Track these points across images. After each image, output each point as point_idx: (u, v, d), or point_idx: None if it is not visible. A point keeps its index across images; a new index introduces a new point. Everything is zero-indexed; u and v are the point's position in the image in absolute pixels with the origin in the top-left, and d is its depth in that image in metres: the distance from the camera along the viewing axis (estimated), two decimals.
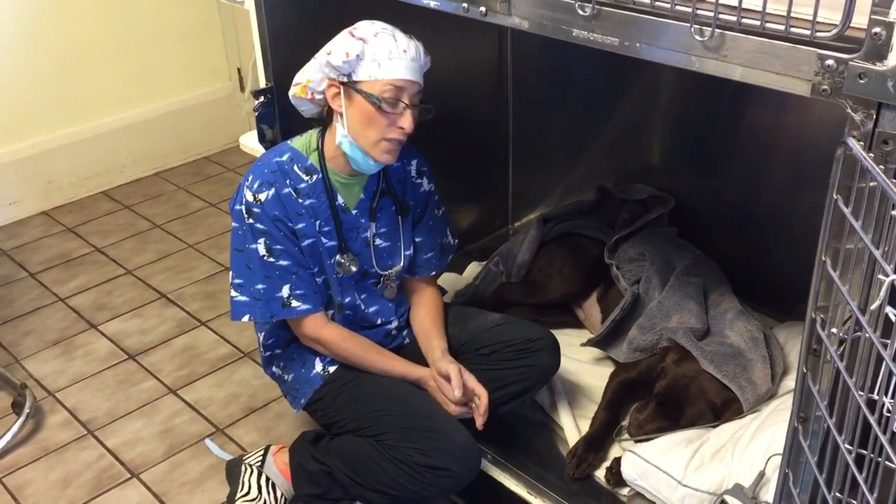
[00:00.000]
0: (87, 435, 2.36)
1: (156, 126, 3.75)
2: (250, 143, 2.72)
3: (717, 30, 1.14)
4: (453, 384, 1.80)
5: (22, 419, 2.34)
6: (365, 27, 1.68)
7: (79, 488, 2.18)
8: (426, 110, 1.73)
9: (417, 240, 1.96)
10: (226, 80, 3.96)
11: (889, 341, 0.93)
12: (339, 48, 1.67)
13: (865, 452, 1.03)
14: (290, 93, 1.78)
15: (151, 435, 2.35)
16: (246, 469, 2.04)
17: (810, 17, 1.03)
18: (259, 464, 2.05)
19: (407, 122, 1.68)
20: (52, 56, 3.38)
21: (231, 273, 1.82)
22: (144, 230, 3.37)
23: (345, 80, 1.68)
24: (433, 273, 2.00)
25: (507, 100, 2.72)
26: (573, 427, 2.00)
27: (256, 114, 1.99)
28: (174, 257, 3.18)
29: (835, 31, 1.02)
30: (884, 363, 0.94)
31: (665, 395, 1.89)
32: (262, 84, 2.00)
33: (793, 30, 1.06)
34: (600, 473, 1.89)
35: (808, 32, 1.04)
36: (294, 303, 1.79)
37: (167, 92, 3.76)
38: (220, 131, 3.94)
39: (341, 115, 1.71)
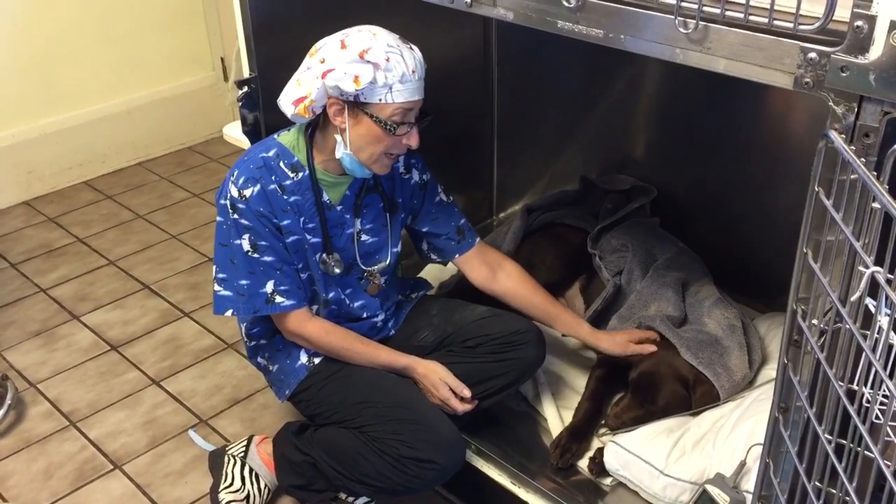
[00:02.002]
0: (69, 426, 2.35)
1: (138, 115, 3.72)
2: (234, 133, 2.71)
3: (700, 22, 1.14)
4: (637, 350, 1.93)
5: (3, 410, 2.33)
6: (375, 49, 1.60)
7: (61, 480, 2.17)
8: (426, 120, 1.72)
9: (425, 229, 1.96)
10: (209, 70, 3.94)
11: (868, 332, 0.94)
12: (346, 70, 1.60)
13: (845, 442, 1.04)
14: (292, 111, 1.68)
15: (134, 426, 2.34)
16: (229, 460, 2.04)
17: (793, 10, 1.03)
18: (242, 455, 2.04)
19: (414, 139, 1.69)
20: (34, 45, 3.34)
21: (215, 267, 1.81)
22: (127, 220, 3.35)
23: (351, 99, 1.64)
24: (472, 250, 1.97)
25: (492, 91, 2.72)
26: (556, 418, 2.01)
27: (240, 104, 1.97)
28: (157, 248, 3.16)
29: (817, 25, 1.02)
30: (863, 354, 0.95)
31: (638, 381, 1.91)
32: (246, 74, 1.99)
33: (776, 23, 1.06)
34: (583, 463, 1.90)
35: (791, 25, 1.05)
36: (278, 298, 1.78)
37: (150, 81, 3.73)
38: (203, 121, 3.91)
39: (343, 130, 1.68)
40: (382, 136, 1.66)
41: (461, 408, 1.85)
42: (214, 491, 2.01)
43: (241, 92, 1.96)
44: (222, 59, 3.89)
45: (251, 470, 2.02)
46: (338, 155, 1.72)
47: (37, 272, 3.02)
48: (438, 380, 1.85)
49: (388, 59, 1.61)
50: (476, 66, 2.66)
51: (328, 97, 1.66)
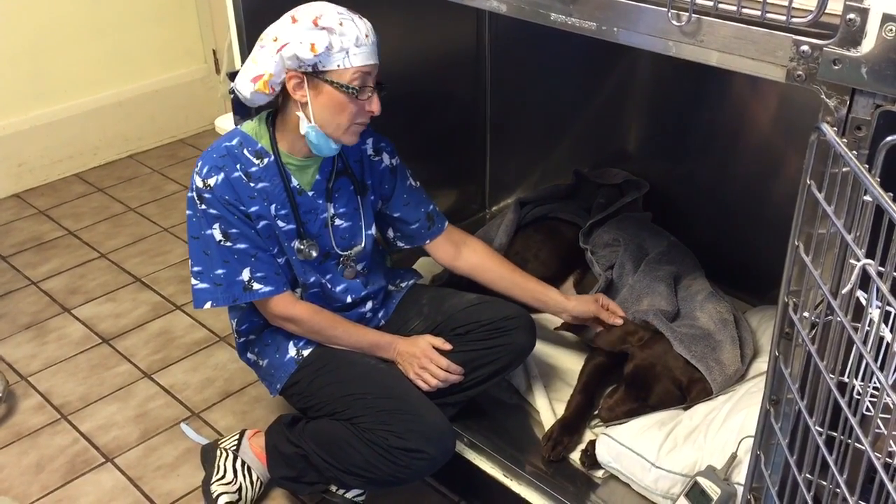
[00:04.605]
0: (60, 419, 2.34)
1: (130, 108, 3.70)
2: (225, 125, 2.69)
3: (693, 15, 1.14)
4: (604, 317, 1.99)
5: None
6: (327, 15, 1.63)
7: (52, 473, 2.17)
8: (383, 88, 1.72)
9: (396, 215, 1.96)
10: (201, 62, 3.92)
11: (859, 325, 0.94)
12: (302, 39, 1.61)
13: (835, 434, 1.04)
14: (251, 89, 1.69)
15: (126, 419, 2.34)
16: (221, 453, 2.04)
17: (786, 3, 1.03)
18: (234, 448, 2.04)
19: (376, 105, 1.68)
20: (25, 36, 3.32)
21: (190, 261, 1.80)
22: (118, 213, 3.33)
23: (309, 70, 1.65)
24: (441, 235, 1.99)
25: (485, 83, 2.71)
26: (549, 410, 2.01)
27: (232, 96, 1.96)
28: (148, 241, 3.15)
29: (810, 17, 1.02)
30: (854, 346, 0.95)
31: (633, 376, 1.91)
32: (238, 66, 1.98)
33: (769, 15, 1.07)
34: (575, 456, 1.90)
35: (783, 18, 1.05)
36: (256, 285, 1.78)
37: (141, 73, 3.72)
38: (195, 114, 3.90)
39: (304, 104, 1.68)
40: (346, 102, 1.66)
41: (442, 375, 1.85)
42: (207, 483, 2.01)
43: (232, 84, 1.95)
44: (214, 51, 3.87)
45: (243, 463, 2.02)
46: (302, 131, 1.71)
47: (27, 265, 3.01)
48: (423, 342, 1.87)
49: (341, 24, 1.63)
50: (469, 60, 2.66)
51: (286, 71, 1.66)
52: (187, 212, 1.78)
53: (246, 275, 1.77)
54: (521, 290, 2.00)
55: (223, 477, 2.00)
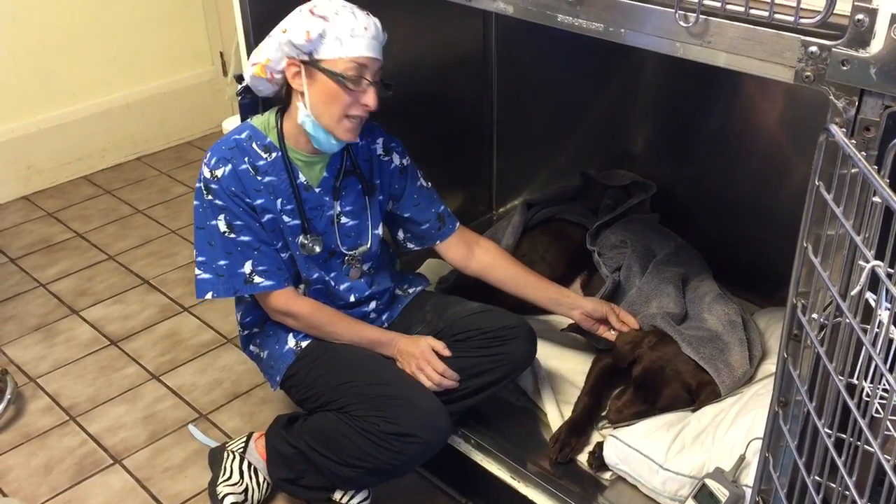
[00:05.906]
0: (68, 421, 2.35)
1: (138, 110, 3.72)
2: (233, 127, 2.69)
3: (701, 16, 1.14)
4: (611, 319, 2.01)
5: (3, 405, 2.33)
6: (324, 5, 1.67)
7: (61, 474, 2.18)
8: (386, 86, 1.72)
9: (406, 215, 1.96)
10: (208, 65, 3.93)
11: (868, 327, 0.94)
12: (298, 27, 1.66)
13: (845, 436, 1.04)
14: (249, 73, 1.77)
15: (134, 421, 2.34)
16: (228, 455, 2.04)
17: (794, 4, 1.03)
18: (241, 450, 2.04)
19: (371, 99, 1.68)
20: (33, 39, 3.34)
21: (195, 251, 1.82)
22: (126, 215, 3.34)
23: (306, 58, 1.67)
24: (452, 235, 1.99)
25: (491, 84, 2.71)
26: (556, 412, 2.01)
27: (239, 98, 1.97)
28: (156, 243, 3.16)
29: (818, 18, 1.02)
30: (863, 348, 0.95)
31: (642, 379, 1.91)
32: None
33: (777, 16, 1.06)
34: (583, 458, 1.90)
35: (791, 19, 1.04)
36: (257, 279, 1.79)
37: (149, 76, 3.73)
38: (202, 116, 3.91)
39: (302, 94, 1.71)
40: (338, 92, 1.66)
41: (437, 378, 1.84)
42: (213, 485, 2.01)
43: (240, 86, 1.96)
44: (221, 53, 3.88)
45: (250, 464, 2.02)
46: (299, 120, 1.73)
47: (36, 267, 3.02)
48: (424, 343, 1.86)
49: (336, 13, 1.65)
50: (475, 61, 2.66)
51: (286, 59, 1.69)
52: (194, 202, 1.79)
53: (248, 267, 1.78)
54: (533, 289, 2.00)
55: (229, 478, 2.00)
